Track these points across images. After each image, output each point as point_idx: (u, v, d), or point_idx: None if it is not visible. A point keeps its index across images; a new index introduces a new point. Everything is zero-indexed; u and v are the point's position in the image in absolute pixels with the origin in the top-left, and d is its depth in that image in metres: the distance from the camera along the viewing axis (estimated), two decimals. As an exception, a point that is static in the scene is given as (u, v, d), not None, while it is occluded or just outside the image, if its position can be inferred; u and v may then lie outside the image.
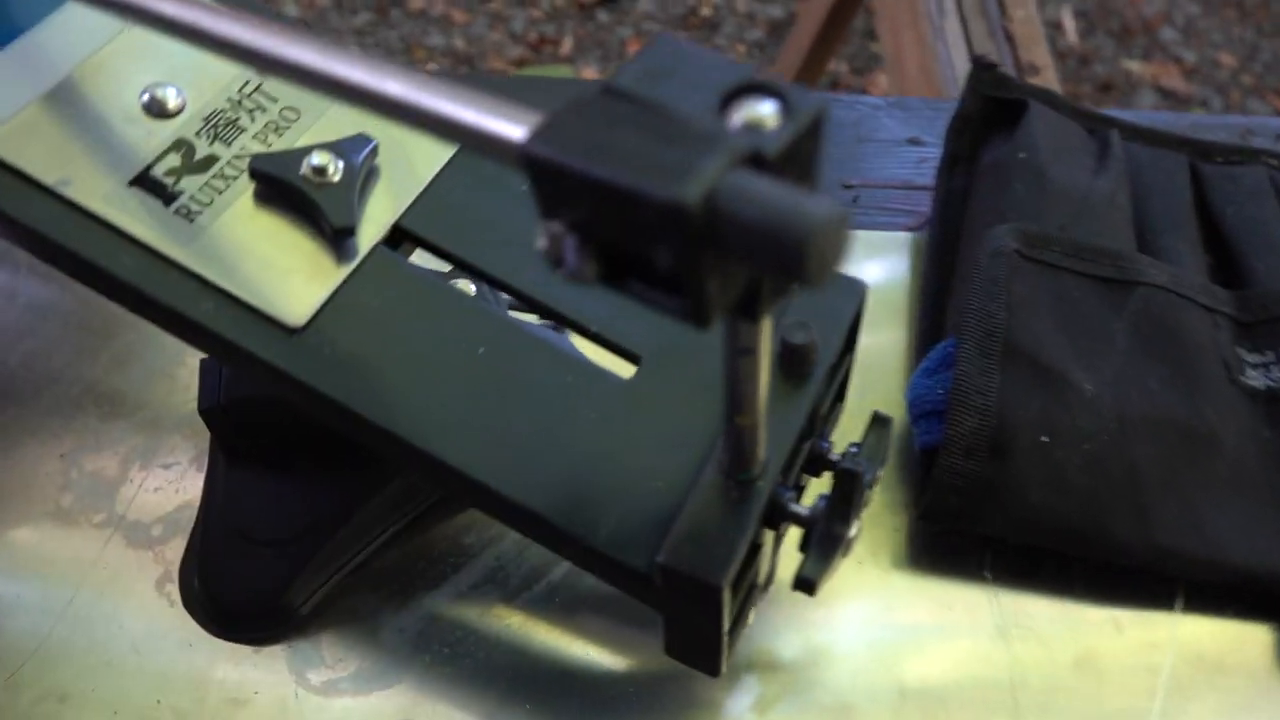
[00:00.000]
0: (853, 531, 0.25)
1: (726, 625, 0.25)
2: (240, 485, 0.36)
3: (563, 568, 0.38)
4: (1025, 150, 0.43)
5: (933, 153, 0.48)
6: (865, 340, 0.43)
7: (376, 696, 0.35)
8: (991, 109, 0.46)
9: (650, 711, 0.35)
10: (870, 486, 0.28)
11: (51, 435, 0.40)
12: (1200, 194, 0.46)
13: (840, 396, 0.31)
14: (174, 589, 0.37)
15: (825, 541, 0.25)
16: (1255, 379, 0.40)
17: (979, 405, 0.36)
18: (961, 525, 0.37)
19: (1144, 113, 0.50)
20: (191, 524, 0.38)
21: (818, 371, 0.26)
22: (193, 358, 0.41)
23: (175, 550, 0.38)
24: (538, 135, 0.16)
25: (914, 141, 0.50)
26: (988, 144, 0.45)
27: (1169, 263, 0.41)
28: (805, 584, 0.25)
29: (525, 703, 0.35)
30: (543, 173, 0.16)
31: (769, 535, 0.27)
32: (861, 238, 0.46)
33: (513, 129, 0.17)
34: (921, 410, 0.38)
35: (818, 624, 0.37)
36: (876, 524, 0.39)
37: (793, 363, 0.26)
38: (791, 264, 0.14)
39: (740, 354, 0.21)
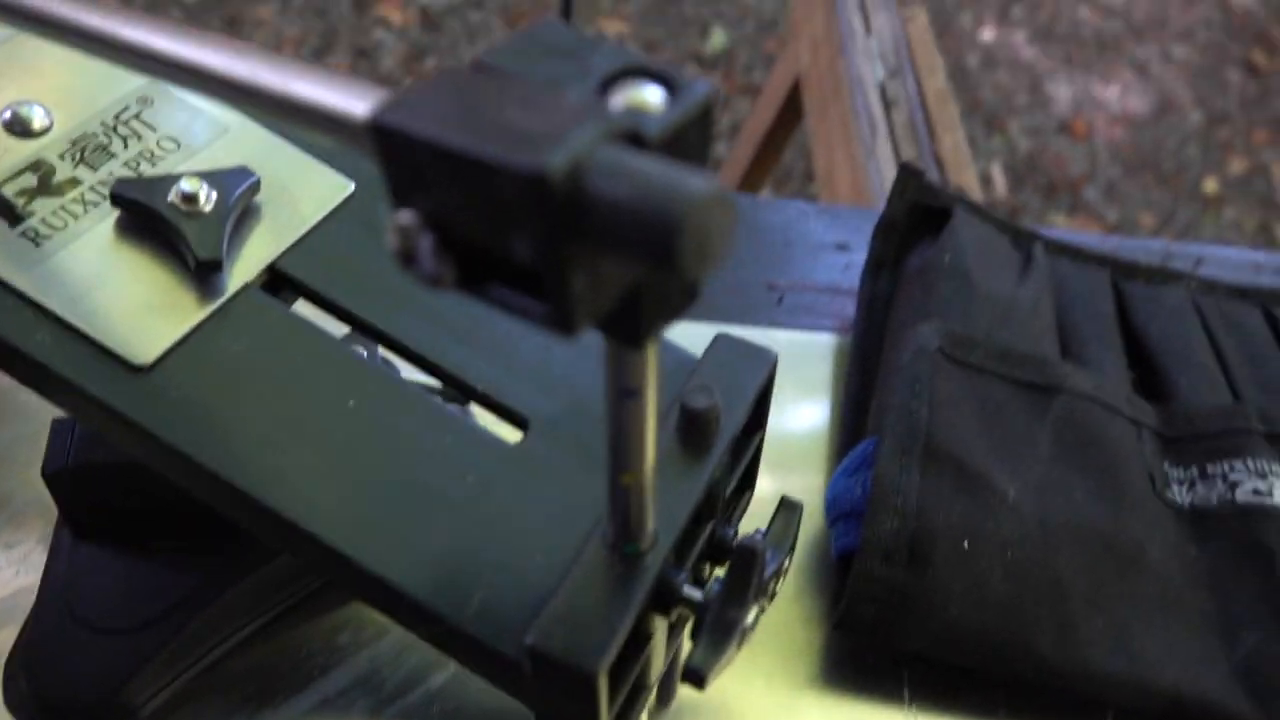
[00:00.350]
0: (750, 619, 0.22)
1: (605, 716, 0.22)
2: (83, 564, 0.32)
3: (444, 673, 0.34)
4: (951, 253, 0.42)
5: (859, 258, 0.48)
6: (787, 444, 0.41)
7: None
8: (917, 216, 0.45)
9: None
10: (776, 576, 0.25)
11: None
12: (1123, 310, 0.45)
13: (749, 483, 0.29)
14: (-4, 683, 0.32)
15: (718, 628, 0.22)
16: (1179, 495, 0.39)
17: (898, 507, 0.34)
18: (879, 639, 0.34)
19: (1067, 232, 0.50)
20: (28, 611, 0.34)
21: (719, 442, 0.24)
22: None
23: (6, 640, 0.33)
24: (389, 107, 0.14)
25: (841, 247, 0.50)
26: (913, 250, 0.45)
27: (1093, 372, 0.41)
28: (693, 675, 0.22)
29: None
30: (392, 149, 0.14)
31: (661, 624, 0.24)
32: (785, 339, 0.45)
33: (359, 103, 0.15)
34: (839, 512, 0.36)
35: (721, 743, 0.33)
36: (788, 637, 0.36)
37: (692, 431, 0.24)
38: (663, 248, 0.12)
39: (624, 395, 0.18)
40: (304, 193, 0.27)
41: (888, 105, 0.64)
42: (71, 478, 0.30)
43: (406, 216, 0.15)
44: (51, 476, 0.30)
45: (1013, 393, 0.38)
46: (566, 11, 1.70)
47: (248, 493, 0.22)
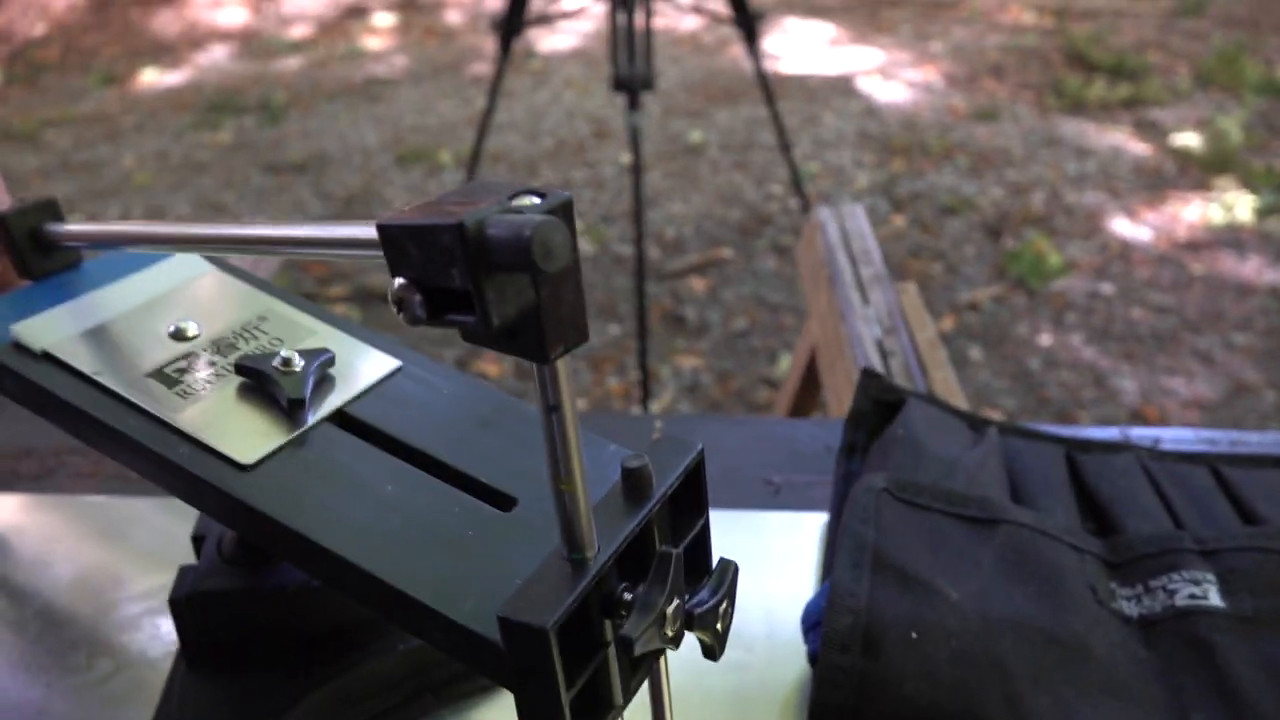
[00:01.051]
0: (670, 608, 0.30)
1: (563, 692, 0.29)
2: (191, 682, 0.40)
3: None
4: (903, 427, 0.50)
5: (844, 455, 0.56)
6: (781, 600, 0.48)
7: None
8: (883, 412, 0.54)
9: None
10: (719, 622, 0.32)
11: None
12: (1076, 474, 0.52)
13: (704, 565, 0.36)
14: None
15: (644, 607, 0.29)
16: (1128, 608, 0.43)
17: (851, 606, 0.40)
18: (848, 723, 0.39)
19: (1022, 422, 0.58)
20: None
21: (654, 494, 0.32)
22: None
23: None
24: (384, 218, 0.26)
25: (829, 449, 0.58)
26: (876, 440, 0.53)
27: (1040, 513, 0.47)
28: (624, 641, 0.29)
29: None
30: (387, 237, 0.25)
31: (610, 630, 0.31)
32: (779, 519, 0.53)
33: (369, 228, 0.26)
34: (809, 623, 0.42)
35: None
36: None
37: (630, 483, 0.32)
38: (524, 254, 0.23)
39: (550, 410, 0.28)
40: (364, 367, 0.38)
41: (884, 355, 0.75)
42: (188, 602, 0.39)
43: (401, 281, 0.26)
44: (174, 602, 0.39)
45: (956, 524, 0.45)
46: (644, 352, 1.91)
47: (315, 541, 0.32)
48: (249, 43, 4.23)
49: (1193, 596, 0.42)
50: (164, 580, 0.48)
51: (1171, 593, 0.43)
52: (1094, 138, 3.06)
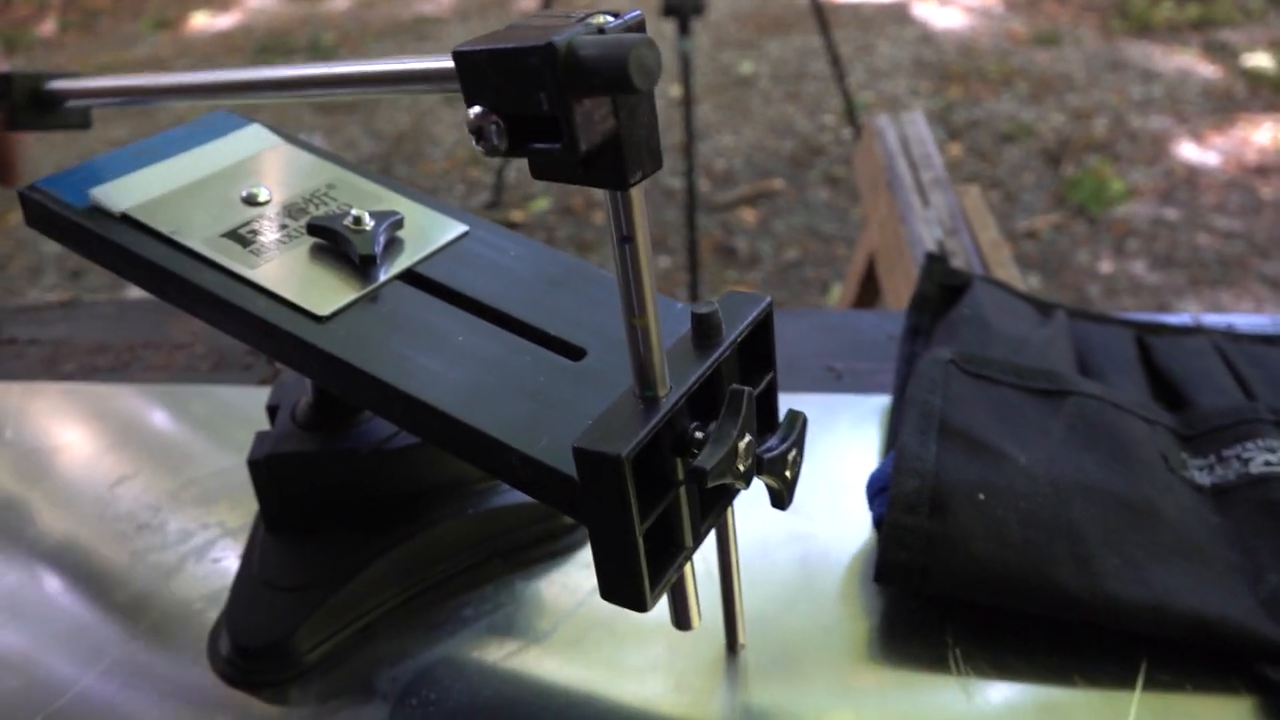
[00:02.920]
0: (743, 442, 0.30)
1: (637, 525, 0.29)
2: (270, 546, 0.42)
3: (559, 632, 0.41)
4: (969, 307, 0.50)
5: (907, 342, 0.56)
6: (845, 476, 0.48)
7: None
8: (946, 295, 0.53)
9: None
10: (788, 469, 0.33)
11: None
12: (1146, 355, 0.51)
13: (773, 418, 0.36)
14: (202, 640, 0.41)
15: (718, 440, 0.29)
16: (1200, 477, 0.43)
17: (918, 469, 0.40)
18: (912, 584, 0.39)
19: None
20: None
21: (723, 340, 0.32)
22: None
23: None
24: (462, 45, 0.25)
25: (891, 337, 0.58)
26: (943, 320, 0.52)
27: (1109, 386, 0.46)
28: (697, 472, 0.29)
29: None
30: (465, 65, 0.25)
31: (682, 494, 0.31)
32: (841, 401, 0.52)
33: (442, 60, 0.26)
34: (874, 490, 0.42)
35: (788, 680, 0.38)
36: (843, 629, 0.41)
37: (700, 330, 0.32)
38: (621, 73, 0.23)
39: (623, 242, 0.28)
40: (433, 230, 0.39)
41: (946, 256, 0.74)
42: (266, 463, 0.40)
43: (477, 109, 0.26)
44: (253, 463, 0.40)
45: (1024, 396, 0.44)
46: (695, 284, 1.91)
47: (394, 385, 0.32)
48: (297, -16, 4.22)
49: (1268, 464, 0.42)
50: (238, 458, 0.49)
51: (1246, 461, 0.42)
52: (1160, 60, 2.96)
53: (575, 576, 0.43)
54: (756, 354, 0.35)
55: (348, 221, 0.37)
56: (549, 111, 0.24)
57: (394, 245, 0.38)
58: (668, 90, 2.94)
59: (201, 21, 3.89)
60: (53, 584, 0.45)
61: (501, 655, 0.40)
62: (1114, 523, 0.39)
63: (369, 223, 0.37)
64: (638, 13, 0.26)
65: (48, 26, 3.89)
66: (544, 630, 0.41)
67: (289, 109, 3.02)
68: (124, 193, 0.38)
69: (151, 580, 0.44)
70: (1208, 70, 2.89)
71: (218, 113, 0.44)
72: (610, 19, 0.26)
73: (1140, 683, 0.37)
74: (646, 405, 0.30)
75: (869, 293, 0.87)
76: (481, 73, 0.25)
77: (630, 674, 0.39)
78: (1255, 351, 0.50)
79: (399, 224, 0.38)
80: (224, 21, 3.88)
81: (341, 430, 0.41)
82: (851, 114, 2.45)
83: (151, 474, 0.50)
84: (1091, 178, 2.39)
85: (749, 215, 2.38)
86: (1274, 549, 0.39)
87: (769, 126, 2.75)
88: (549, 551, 0.44)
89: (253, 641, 0.39)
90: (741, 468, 0.30)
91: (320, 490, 0.41)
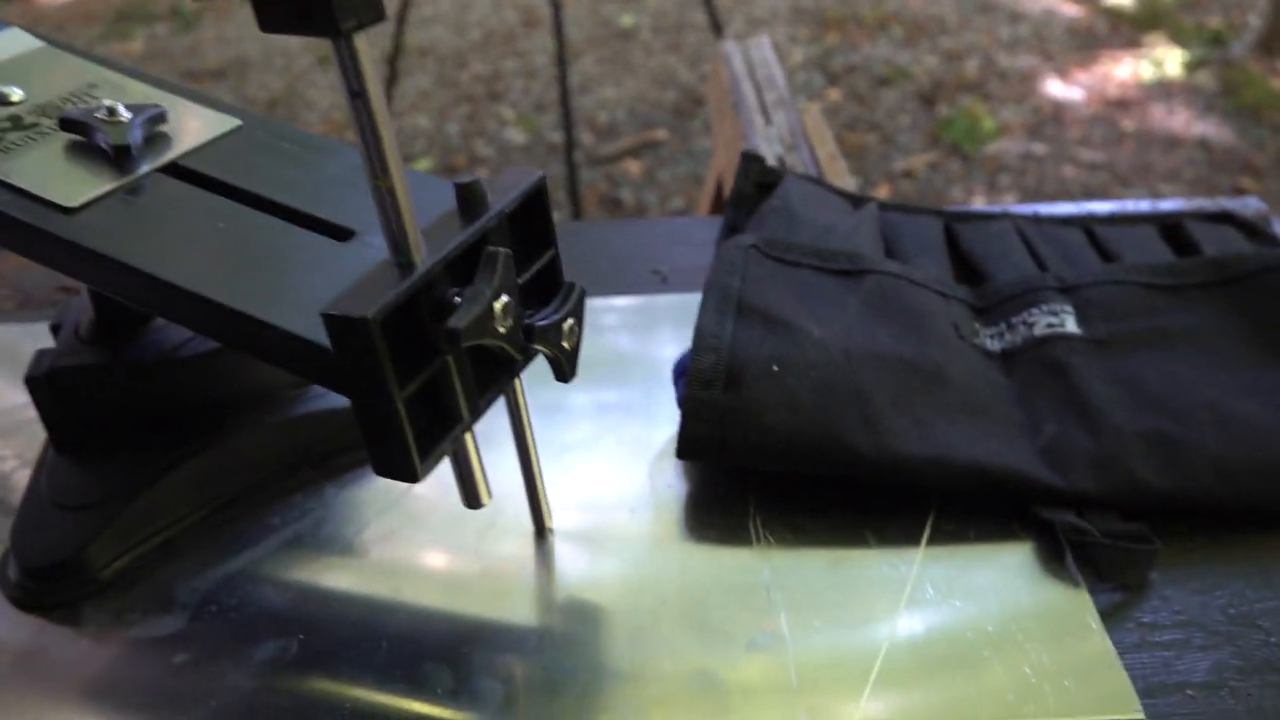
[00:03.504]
0: (499, 302, 0.30)
1: (395, 391, 0.29)
2: (57, 466, 0.40)
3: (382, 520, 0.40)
4: (779, 200, 0.51)
5: (729, 242, 0.56)
6: (664, 369, 0.48)
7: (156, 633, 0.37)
8: (762, 193, 0.54)
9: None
10: (564, 339, 0.33)
11: None
12: (952, 240, 0.52)
13: (554, 295, 0.36)
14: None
15: (470, 299, 0.29)
16: (991, 344, 0.44)
17: (714, 346, 0.40)
18: (711, 457, 0.39)
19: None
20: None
21: (489, 211, 0.32)
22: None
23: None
24: None
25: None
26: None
27: (910, 267, 0.47)
28: (450, 333, 0.29)
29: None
30: None
31: (451, 364, 0.31)
32: (665, 301, 0.53)
33: None
34: (677, 373, 0.42)
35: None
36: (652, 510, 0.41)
37: (464, 200, 0.32)
38: None
39: (354, 96, 0.27)
40: (202, 125, 0.38)
41: (784, 169, 0.75)
42: (47, 379, 0.39)
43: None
44: (31, 380, 0.39)
45: (824, 276, 0.45)
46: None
47: (145, 270, 0.31)
48: (158, -52, 4.04)
49: (1050, 325, 0.43)
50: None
51: (1030, 325, 0.44)
52: (1027, 2, 3.04)
53: (384, 482, 0.43)
54: (533, 230, 0.35)
55: (100, 113, 0.35)
56: None
57: (158, 140, 0.37)
58: (549, 46, 2.91)
59: (56, -10, 3.69)
60: None
61: (306, 561, 0.39)
62: (902, 386, 0.40)
63: (125, 115, 0.35)
64: None
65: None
66: (351, 534, 0.40)
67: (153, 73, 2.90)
68: None
69: (-60, 514, 0.42)
70: (1071, 9, 2.98)
71: None
72: None
73: (927, 535, 0.39)
74: (401, 271, 0.30)
75: (718, 212, 0.87)
76: None
77: (437, 568, 0.39)
78: (1053, 232, 0.52)
79: (160, 118, 0.37)
80: (80, -11, 3.68)
81: (128, 342, 0.40)
82: (729, 61, 2.45)
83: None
84: (964, 117, 2.45)
85: (634, 167, 2.37)
86: (1052, 402, 0.41)
87: (651, 78, 2.74)
88: (361, 458, 0.44)
89: (40, 561, 0.38)
90: (502, 329, 0.30)
91: (109, 405, 0.40)
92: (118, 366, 0.39)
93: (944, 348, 0.42)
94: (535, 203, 0.35)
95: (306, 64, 2.92)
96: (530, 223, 0.35)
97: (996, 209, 0.58)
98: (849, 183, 0.74)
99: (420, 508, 0.41)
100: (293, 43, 3.04)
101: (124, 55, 3.05)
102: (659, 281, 0.55)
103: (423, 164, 2.41)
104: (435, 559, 0.39)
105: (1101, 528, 0.37)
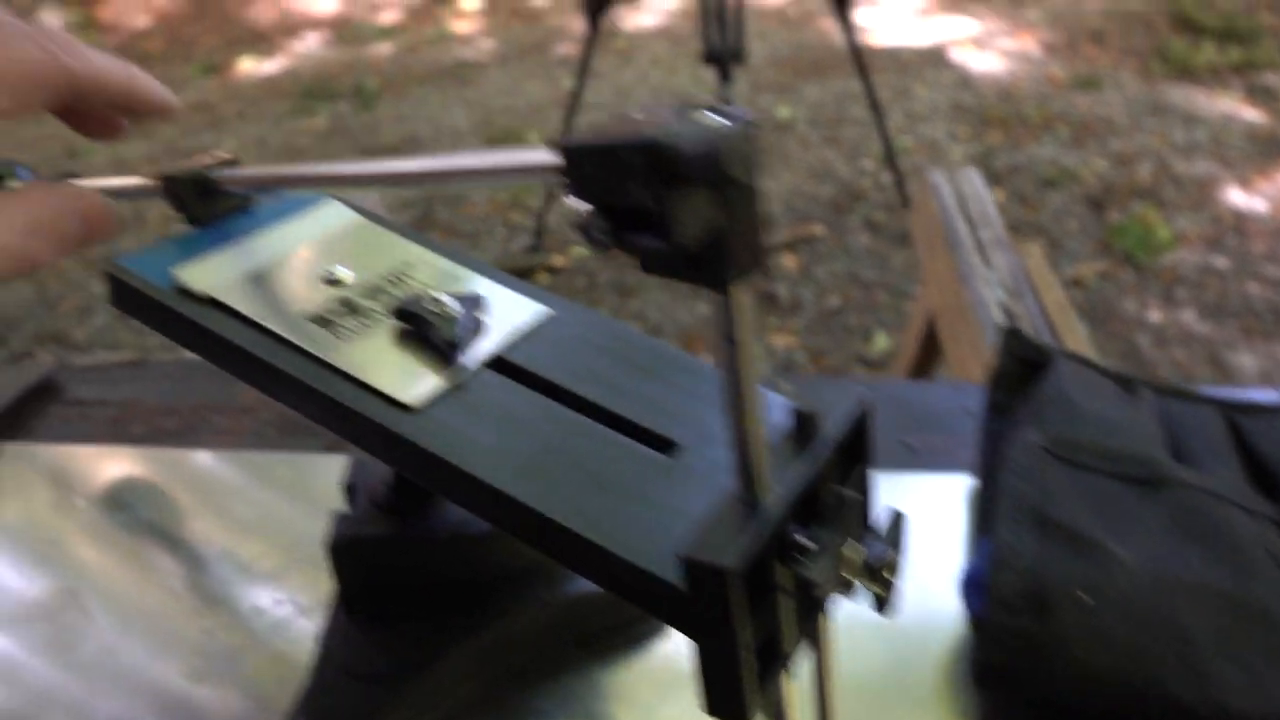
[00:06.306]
0: (847, 549, 0.29)
1: (744, 640, 0.28)
2: (349, 627, 0.41)
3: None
4: (1052, 385, 0.48)
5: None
6: (928, 563, 0.46)
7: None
8: (1025, 371, 0.52)
9: None
10: (886, 569, 0.31)
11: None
12: (1238, 436, 0.49)
13: (865, 517, 0.35)
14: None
15: (826, 549, 0.28)
16: (1311, 573, 0.41)
17: (1016, 565, 0.38)
18: (1013, 687, 0.37)
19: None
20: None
21: (823, 438, 0.31)
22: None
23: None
24: (565, 139, 0.25)
25: (969, 412, 0.56)
26: (1023, 399, 0.51)
27: (1205, 474, 0.44)
28: (806, 584, 0.28)
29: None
30: (573, 157, 0.25)
31: (785, 577, 0.30)
32: (924, 480, 0.51)
33: (543, 153, 0.26)
34: (969, 583, 0.40)
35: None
36: None
37: (800, 427, 0.31)
38: (714, 167, 0.22)
39: (727, 342, 0.27)
40: (516, 312, 0.38)
41: (1011, 319, 0.72)
42: (346, 547, 0.39)
43: (584, 206, 0.25)
44: (334, 548, 0.40)
45: (1121, 487, 0.43)
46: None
47: (485, 481, 0.31)
48: (341, 30, 4.31)
49: (1384, 561, 0.40)
50: (310, 529, 0.48)
51: (1360, 557, 0.40)
52: (1203, 105, 2.93)
53: (657, 664, 0.42)
54: (851, 451, 0.34)
55: (431, 305, 0.36)
56: (654, 207, 0.24)
57: (477, 329, 0.37)
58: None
59: (248, 66, 3.97)
60: (129, 657, 0.44)
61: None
62: (1226, 627, 0.37)
63: (453, 307, 0.36)
64: (744, 110, 0.25)
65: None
66: (623, 724, 0.40)
67: (333, 153, 3.06)
68: (207, 273, 0.38)
69: (221, 662, 0.43)
70: (1251, 114, 2.86)
71: None
72: (711, 114, 0.25)
73: (1259, 798, 0.35)
74: (751, 510, 0.29)
75: (929, 353, 0.85)
76: (583, 165, 0.25)
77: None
78: (1354, 433, 0.48)
79: (480, 305, 0.37)
80: (270, 66, 3.95)
81: (419, 514, 0.41)
82: (892, 158, 2.44)
83: (224, 544, 0.50)
84: (1137, 224, 2.36)
85: (790, 261, 2.37)
86: (1396, 654, 0.37)
87: (808, 171, 2.75)
88: (629, 637, 0.43)
89: (332, 731, 0.38)
90: (848, 576, 0.29)
91: (400, 574, 0.40)
92: (413, 538, 0.40)
93: (1266, 581, 0.39)
94: (860, 424, 0.34)
95: (474, 144, 3.04)
96: (850, 441, 0.34)
97: (1276, 396, 0.55)
98: (1080, 333, 0.71)
99: (688, 707, 0.40)
100: (462, 124, 3.18)
101: (309, 131, 3.24)
102: (909, 454, 0.53)
103: (583, 249, 2.46)
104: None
105: None
